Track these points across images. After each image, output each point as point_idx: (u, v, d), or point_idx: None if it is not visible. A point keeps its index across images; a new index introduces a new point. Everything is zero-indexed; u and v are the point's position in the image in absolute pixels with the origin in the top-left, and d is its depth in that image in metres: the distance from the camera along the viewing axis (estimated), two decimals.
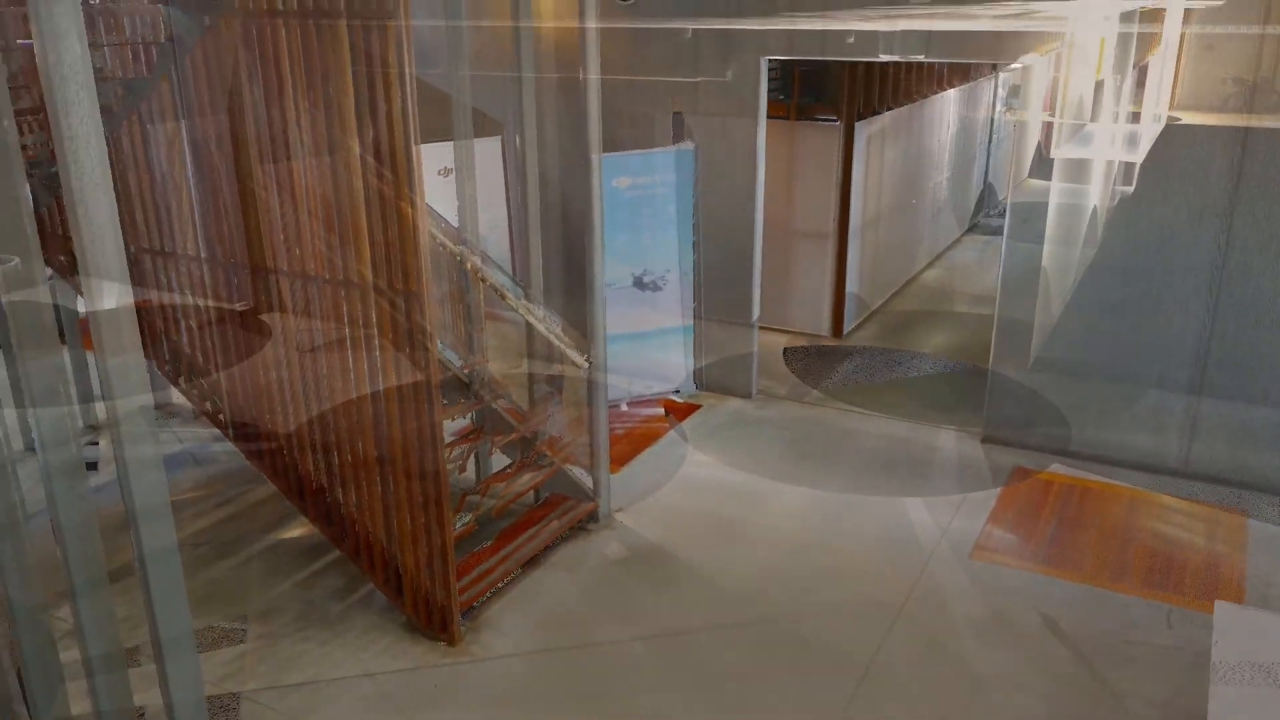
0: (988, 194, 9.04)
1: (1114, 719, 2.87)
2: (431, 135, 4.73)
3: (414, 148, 3.02)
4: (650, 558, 3.72)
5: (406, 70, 2.93)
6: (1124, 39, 5.86)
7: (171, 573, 2.53)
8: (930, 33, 4.59)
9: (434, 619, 3.25)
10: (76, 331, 5.15)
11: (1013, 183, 5.69)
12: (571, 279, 5.12)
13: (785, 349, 5.66)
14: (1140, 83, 7.66)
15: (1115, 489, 4.16)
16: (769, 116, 5.18)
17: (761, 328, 5.61)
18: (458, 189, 4.02)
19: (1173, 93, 7.46)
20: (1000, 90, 8.89)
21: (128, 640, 3.04)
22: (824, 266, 5.74)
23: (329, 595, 3.47)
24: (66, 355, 5.36)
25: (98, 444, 4.51)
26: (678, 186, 4.81)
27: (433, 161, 4.71)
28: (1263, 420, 4.22)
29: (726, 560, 3.68)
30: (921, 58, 4.50)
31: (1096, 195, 7.95)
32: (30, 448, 4.12)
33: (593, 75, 3.67)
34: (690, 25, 4.68)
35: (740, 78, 4.70)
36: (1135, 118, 7.61)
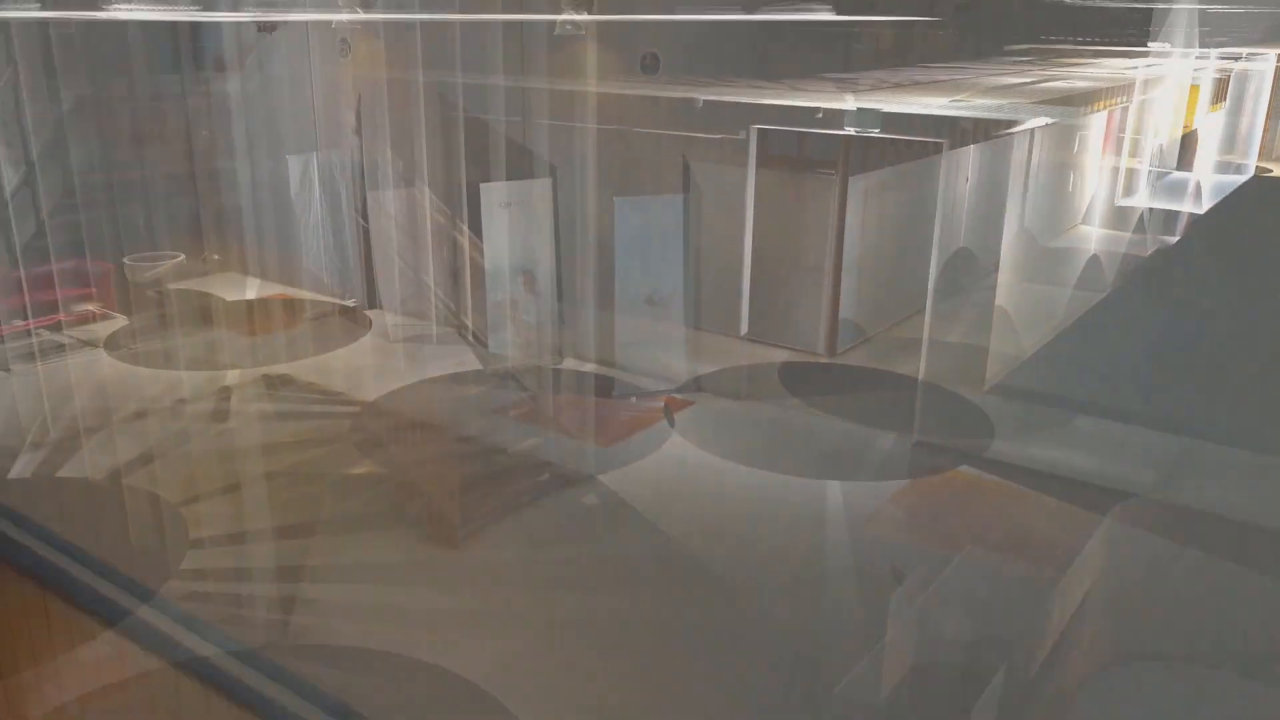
0: (1019, 239, 9.79)
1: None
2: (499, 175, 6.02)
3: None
4: (615, 508, 4.85)
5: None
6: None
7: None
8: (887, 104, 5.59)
9: (442, 529, 4.48)
10: (224, 314, 6.64)
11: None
12: (601, 294, 6.32)
13: (782, 362, 6.70)
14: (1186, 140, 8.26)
15: (1006, 487, 5.06)
16: (777, 166, 6.25)
17: (763, 343, 6.66)
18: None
19: (1263, 142, 8.07)
20: (1035, 146, 9.65)
21: (233, 528, 4.37)
22: (820, 295, 6.75)
23: (376, 511, 4.75)
24: (216, 332, 6.88)
25: (229, 400, 5.94)
26: (685, 223, 5.95)
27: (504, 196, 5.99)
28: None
29: (674, 516, 4.79)
30: (876, 132, 5.51)
31: (1111, 243, 8.68)
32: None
33: (592, 126, 4.86)
34: (697, 95, 5.82)
35: (737, 138, 5.81)
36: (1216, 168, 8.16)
